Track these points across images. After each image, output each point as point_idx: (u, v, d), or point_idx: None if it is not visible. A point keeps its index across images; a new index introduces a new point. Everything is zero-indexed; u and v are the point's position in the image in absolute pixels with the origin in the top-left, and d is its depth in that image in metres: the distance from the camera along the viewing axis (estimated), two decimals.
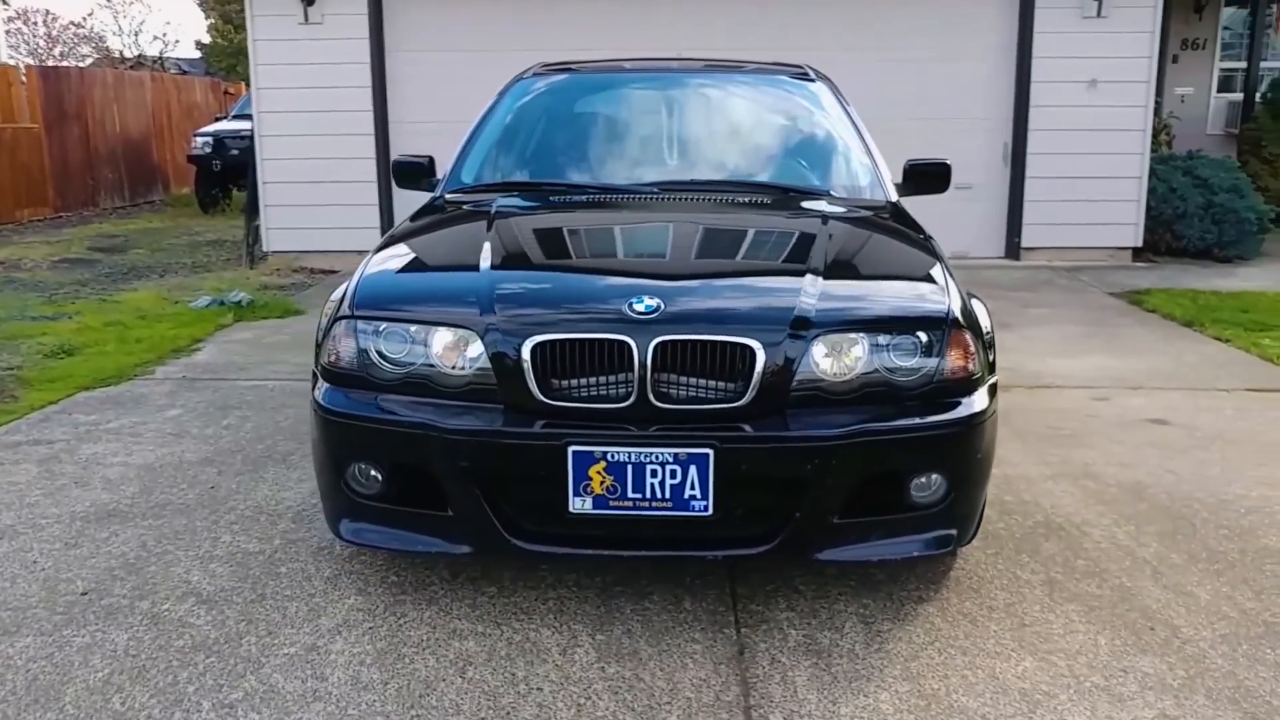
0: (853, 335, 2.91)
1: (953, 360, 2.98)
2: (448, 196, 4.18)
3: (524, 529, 2.93)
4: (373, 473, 3.03)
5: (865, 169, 4.24)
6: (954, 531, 3.04)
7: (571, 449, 2.77)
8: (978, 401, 3.02)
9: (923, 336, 2.96)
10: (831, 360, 2.88)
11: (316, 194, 9.69)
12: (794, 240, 3.43)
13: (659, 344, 2.80)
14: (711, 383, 2.83)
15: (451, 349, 2.95)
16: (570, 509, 2.83)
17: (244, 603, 3.18)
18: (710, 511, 2.80)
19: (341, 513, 3.12)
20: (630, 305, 2.88)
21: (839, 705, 2.66)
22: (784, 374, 2.83)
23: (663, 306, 2.87)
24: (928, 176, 4.33)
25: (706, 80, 4.71)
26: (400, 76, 9.70)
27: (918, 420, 2.91)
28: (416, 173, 4.46)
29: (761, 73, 4.81)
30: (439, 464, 2.89)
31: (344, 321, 3.09)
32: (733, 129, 4.44)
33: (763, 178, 4.16)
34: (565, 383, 2.84)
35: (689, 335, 2.82)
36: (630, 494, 2.80)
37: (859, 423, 2.84)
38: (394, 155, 4.46)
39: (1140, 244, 9.62)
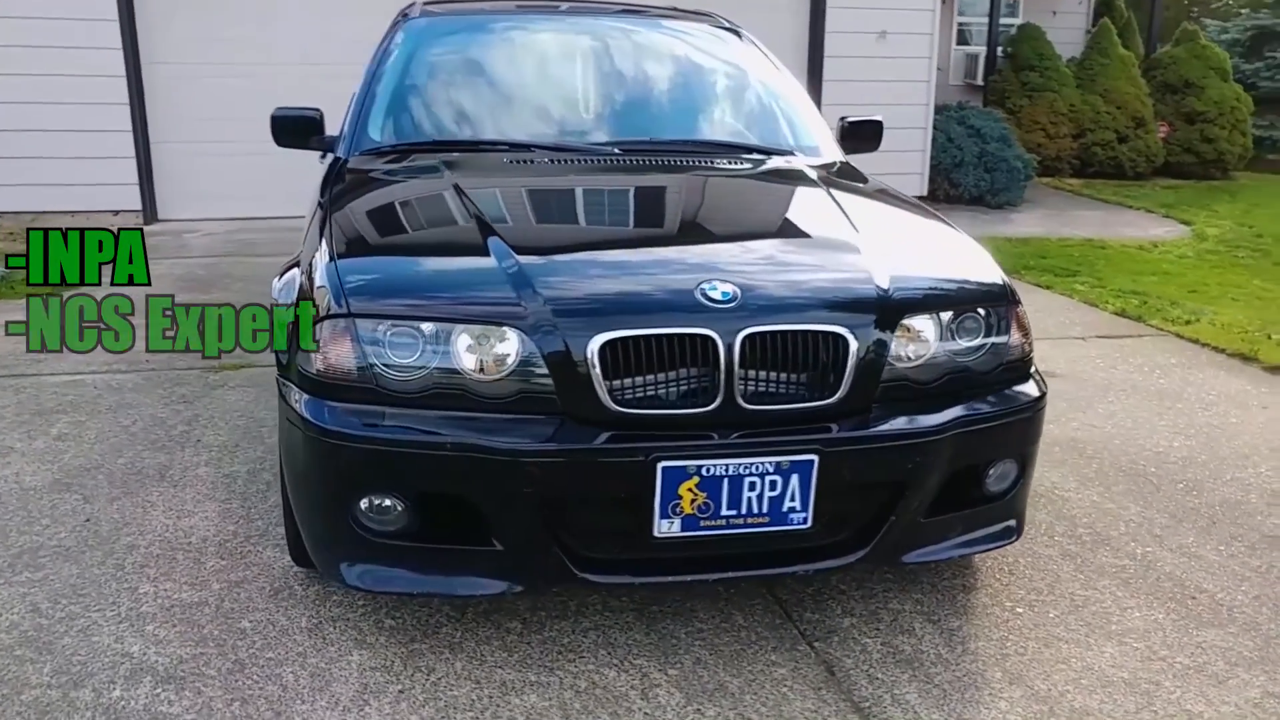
0: (931, 316, 2.67)
1: (1015, 337, 2.82)
2: (358, 158, 3.55)
3: (590, 559, 2.51)
4: (393, 505, 2.50)
5: (813, 125, 4.01)
6: (1014, 522, 2.90)
7: (661, 465, 2.38)
8: (1036, 381, 2.88)
9: (990, 314, 2.77)
10: (915, 345, 2.64)
11: (53, 145, 8.34)
12: (816, 211, 3.15)
13: (746, 337, 2.45)
14: (800, 378, 2.51)
15: (488, 351, 2.45)
16: (655, 533, 2.44)
17: (221, 675, 2.57)
18: (809, 524, 2.51)
19: (345, 554, 2.57)
20: (704, 293, 2.50)
21: None
22: (875, 364, 2.56)
23: (740, 293, 2.51)
24: (863, 134, 4.17)
25: (629, 28, 4.28)
26: (157, 9, 8.47)
27: (1003, 406, 2.73)
28: (305, 128, 3.78)
29: (682, 19, 4.44)
30: (491, 490, 2.41)
31: (336, 321, 2.51)
32: (674, 83, 4.06)
33: (724, 136, 3.84)
34: (635, 386, 2.43)
35: (778, 325, 2.48)
36: (724, 511, 2.45)
37: (954, 413, 2.62)
38: (272, 110, 3.73)
39: (926, 193, 10.02)
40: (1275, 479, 3.92)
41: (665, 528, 2.44)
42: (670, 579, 2.58)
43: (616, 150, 3.54)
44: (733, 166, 3.56)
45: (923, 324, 2.66)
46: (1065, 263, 7.85)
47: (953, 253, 3.02)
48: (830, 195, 3.22)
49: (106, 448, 3.98)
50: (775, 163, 3.64)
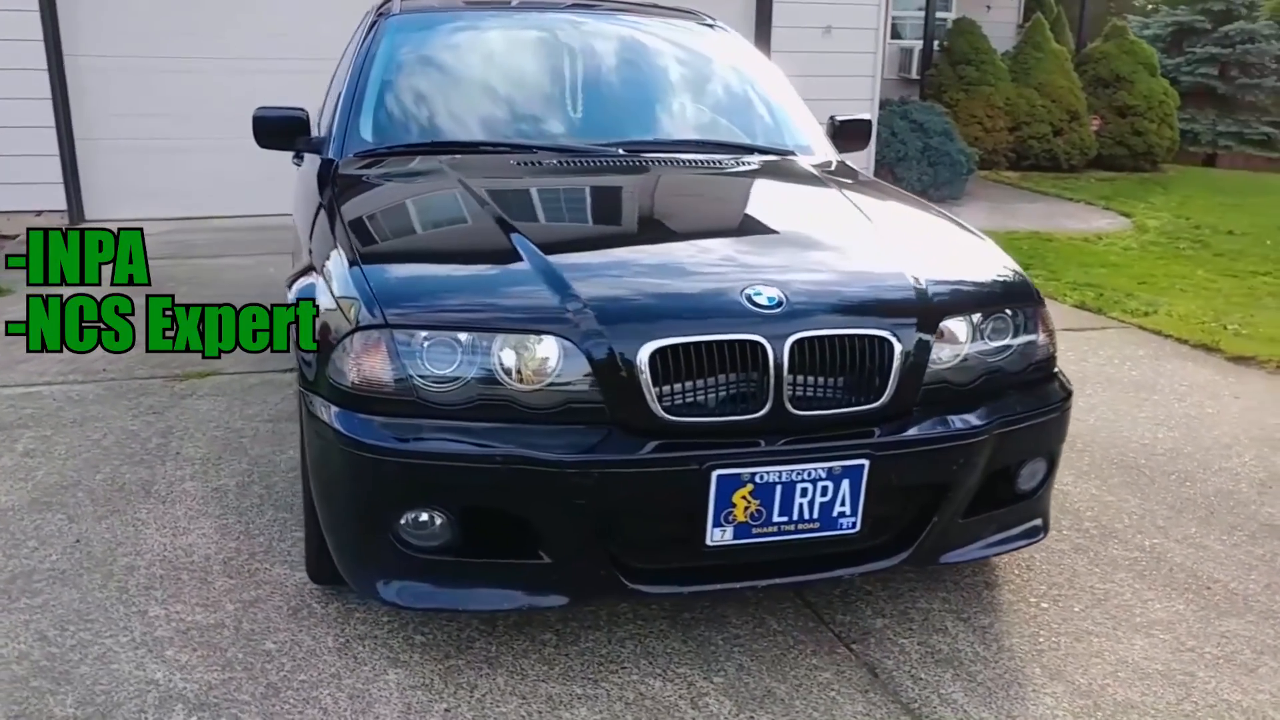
0: (965, 317, 2.68)
1: (1041, 337, 2.84)
2: (352, 160, 3.45)
3: (639, 570, 2.46)
4: (437, 519, 2.42)
5: (806, 124, 4.01)
6: (1040, 520, 2.93)
7: (716, 473, 2.34)
8: (1061, 380, 2.91)
9: (1018, 314, 2.79)
10: (950, 347, 2.64)
11: None
12: (836, 211, 3.13)
13: (795, 342, 2.42)
14: (846, 382, 2.49)
15: (532, 360, 2.39)
16: (707, 542, 2.40)
17: (256, 700, 2.47)
18: (858, 528, 2.49)
19: (383, 571, 2.48)
20: (749, 297, 2.47)
21: (1017, 718, 2.48)
22: (918, 367, 2.55)
23: (785, 298, 2.48)
24: (853, 132, 4.19)
25: (618, 25, 4.22)
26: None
27: (1036, 405, 2.75)
28: (292, 129, 3.65)
29: (669, 16, 4.39)
30: (542, 503, 2.35)
31: (370, 332, 2.42)
32: (669, 81, 4.01)
33: (723, 136, 3.81)
34: (683, 393, 2.39)
35: (826, 330, 2.46)
36: (776, 518, 2.42)
37: (992, 413, 2.63)
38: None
39: None
40: (1260, 468, 4.02)
41: (718, 536, 2.40)
42: (719, 587, 2.54)
43: (621, 150, 3.49)
44: (739, 167, 3.53)
45: (957, 325, 2.66)
46: (1016, 255, 7.87)
47: (975, 253, 3.04)
48: (845, 195, 3.22)
49: (80, 463, 3.81)
50: (779, 162, 3.63)
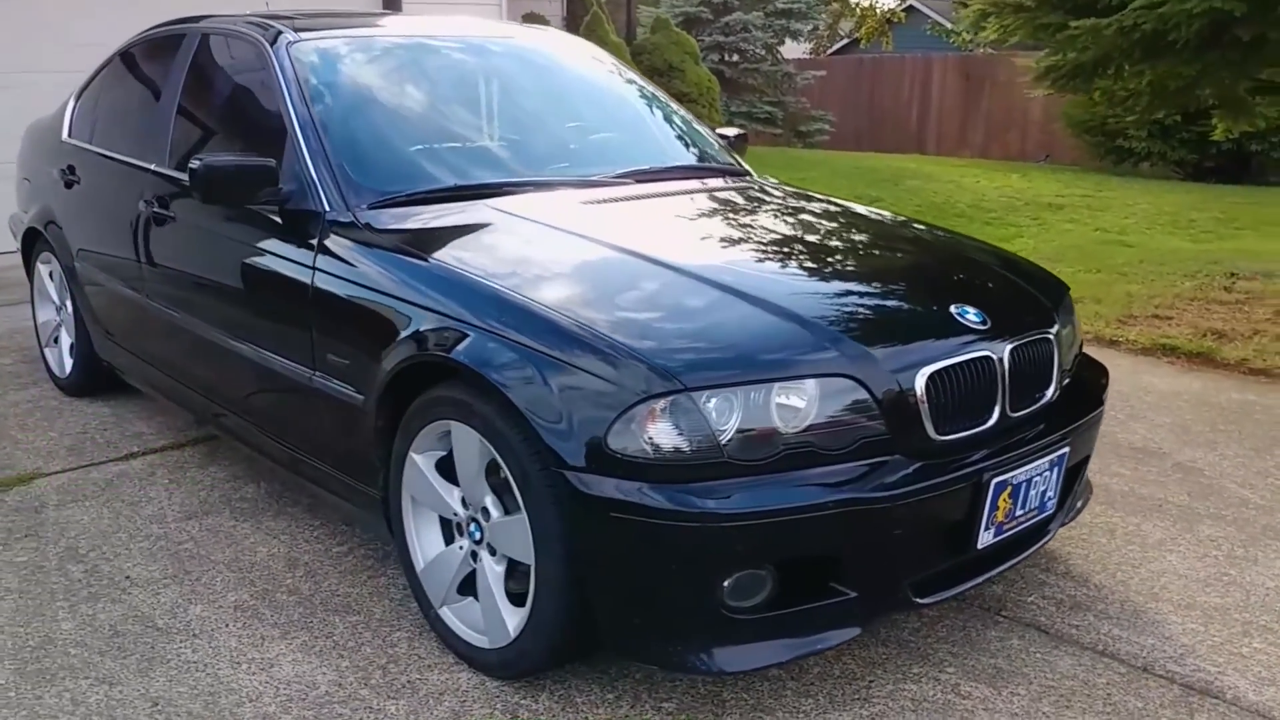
0: (1056, 309, 3.11)
1: (1076, 318, 3.35)
2: (373, 213, 3.07)
3: (919, 583, 2.62)
4: (760, 577, 2.39)
5: (716, 139, 4.21)
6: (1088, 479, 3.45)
7: (994, 481, 2.57)
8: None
9: (1065, 306, 3.26)
10: (1063, 340, 3.05)
11: None
12: (890, 229, 3.41)
13: (1010, 352, 2.71)
14: (1033, 381, 2.82)
15: (822, 402, 2.43)
16: (978, 545, 2.63)
17: None
18: (1055, 507, 2.85)
19: (704, 642, 2.40)
20: (962, 316, 2.71)
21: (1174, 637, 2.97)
22: (1065, 361, 2.96)
23: (985, 314, 2.75)
24: (737, 148, 4.45)
25: (530, 49, 4.07)
26: None
27: (1103, 373, 3.29)
28: (254, 180, 3.14)
29: (556, 35, 4.33)
30: (862, 541, 2.42)
31: (663, 399, 2.31)
32: (623, 107, 4.03)
33: (692, 160, 3.90)
34: (944, 412, 2.58)
35: (1024, 339, 2.77)
36: (1018, 512, 2.71)
37: (1097, 386, 3.13)
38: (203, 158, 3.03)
39: None
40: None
41: (985, 539, 2.63)
42: (979, 580, 2.71)
43: (632, 180, 3.49)
44: (757, 189, 3.69)
45: (1065, 320, 3.09)
46: None
47: (1008, 256, 3.45)
48: (861, 211, 3.53)
49: (9, 615, 3.03)
50: (761, 181, 3.82)
